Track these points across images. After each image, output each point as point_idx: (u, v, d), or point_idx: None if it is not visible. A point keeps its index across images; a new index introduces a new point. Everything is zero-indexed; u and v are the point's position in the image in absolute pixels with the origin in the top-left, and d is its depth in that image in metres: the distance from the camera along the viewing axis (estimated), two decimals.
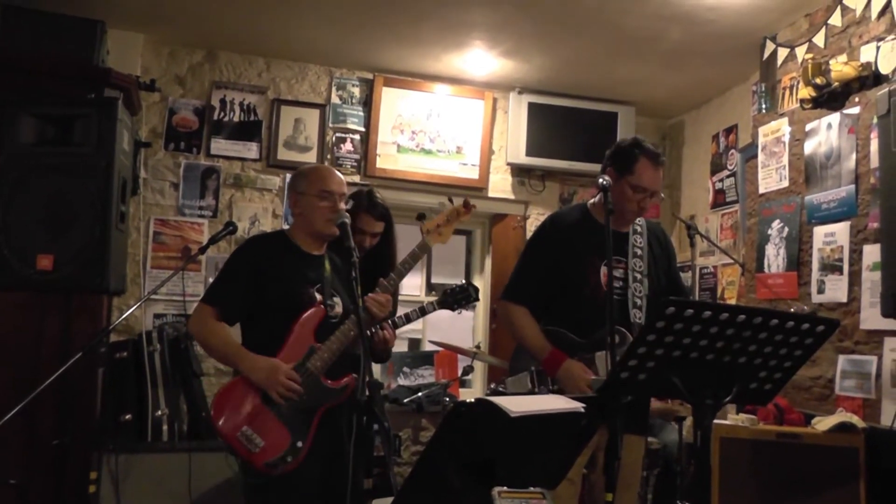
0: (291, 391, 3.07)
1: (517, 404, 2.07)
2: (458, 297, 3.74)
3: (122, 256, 4.29)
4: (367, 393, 2.74)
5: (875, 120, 3.98)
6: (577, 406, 2.24)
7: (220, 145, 5.79)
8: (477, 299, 3.78)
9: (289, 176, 5.33)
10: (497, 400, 2.06)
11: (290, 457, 3.08)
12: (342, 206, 3.30)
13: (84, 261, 3.83)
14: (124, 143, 4.09)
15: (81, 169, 3.88)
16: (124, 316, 4.34)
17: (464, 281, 3.76)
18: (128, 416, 4.56)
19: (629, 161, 3.43)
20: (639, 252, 3.52)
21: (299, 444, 3.09)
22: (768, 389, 2.56)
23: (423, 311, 3.70)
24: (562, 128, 6.30)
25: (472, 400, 2.10)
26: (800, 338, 2.40)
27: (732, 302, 5.59)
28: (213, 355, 3.37)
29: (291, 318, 3.19)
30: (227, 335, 3.20)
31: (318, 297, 3.27)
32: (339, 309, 3.32)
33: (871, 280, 3.97)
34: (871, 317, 3.95)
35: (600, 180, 3.21)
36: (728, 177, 5.93)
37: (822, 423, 3.82)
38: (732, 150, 5.90)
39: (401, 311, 3.76)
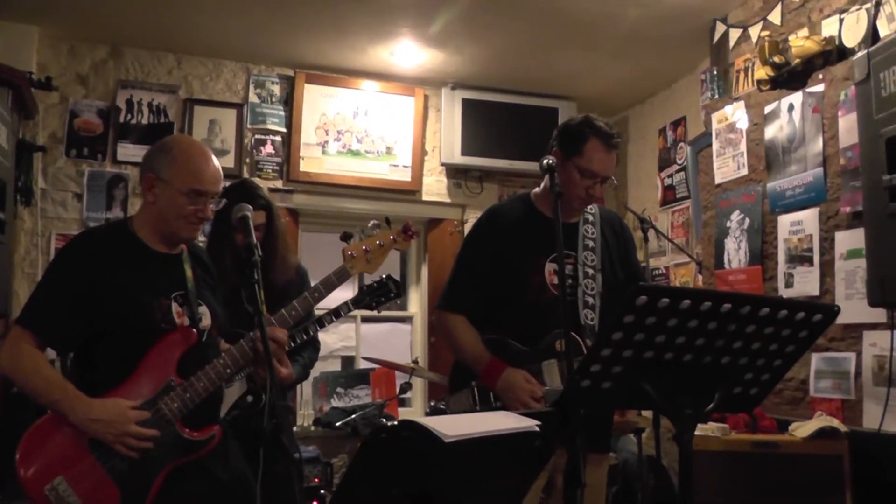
0: (145, 442, 2.34)
1: (453, 426, 1.63)
2: (376, 294, 3.24)
3: (3, 272, 3.74)
4: (273, 420, 2.15)
5: (843, 96, 3.65)
6: (530, 424, 1.80)
7: (127, 150, 5.32)
8: (399, 295, 3.28)
9: None
10: (426, 421, 1.61)
11: None
12: (211, 209, 2.55)
13: None
14: (2, 141, 3.57)
15: None
16: None
17: (384, 276, 3.23)
18: None
19: (578, 141, 2.98)
20: (590, 244, 3.09)
21: None
22: (754, 394, 2.14)
23: (336, 314, 3.16)
24: (499, 125, 5.97)
25: (395, 423, 1.64)
26: (793, 330, 1.99)
27: None
28: (33, 399, 2.47)
29: (141, 342, 2.41)
30: (49, 372, 2.41)
31: (178, 310, 2.50)
32: (206, 322, 2.57)
33: (846, 270, 3.63)
34: (847, 309, 3.54)
35: (544, 160, 2.77)
36: (678, 171, 5.59)
37: (801, 430, 3.51)
38: (682, 144, 5.57)
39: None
